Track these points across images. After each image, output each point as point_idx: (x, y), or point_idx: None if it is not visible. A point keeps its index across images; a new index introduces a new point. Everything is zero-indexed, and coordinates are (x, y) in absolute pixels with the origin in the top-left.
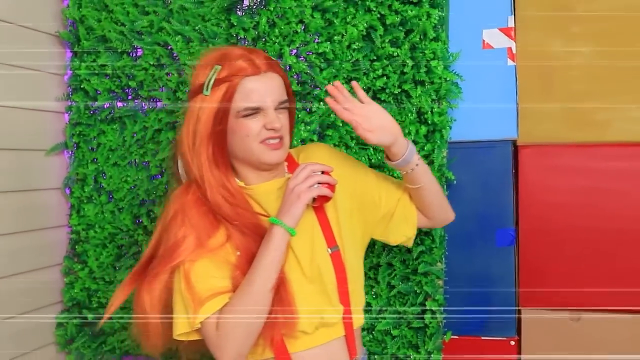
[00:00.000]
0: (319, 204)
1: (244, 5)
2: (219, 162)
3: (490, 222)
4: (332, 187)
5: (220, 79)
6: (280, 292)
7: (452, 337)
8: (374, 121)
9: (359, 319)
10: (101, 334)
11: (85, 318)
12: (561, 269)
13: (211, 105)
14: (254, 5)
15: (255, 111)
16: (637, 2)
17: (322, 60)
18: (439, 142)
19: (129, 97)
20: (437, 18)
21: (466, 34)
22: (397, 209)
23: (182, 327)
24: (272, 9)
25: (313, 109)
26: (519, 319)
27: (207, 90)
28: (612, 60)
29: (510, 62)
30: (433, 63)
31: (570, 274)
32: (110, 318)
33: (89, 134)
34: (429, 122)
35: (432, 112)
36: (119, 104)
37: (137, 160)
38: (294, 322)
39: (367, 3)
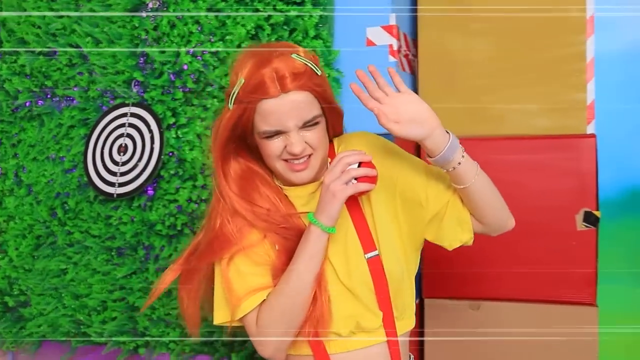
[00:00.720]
0: (360, 195)
1: (147, 8)
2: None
3: None
4: (371, 178)
5: (240, 97)
6: (316, 292)
7: None
8: (404, 112)
9: (406, 324)
10: (21, 319)
11: (7, 304)
12: (463, 260)
13: (229, 121)
14: (157, 6)
15: (276, 134)
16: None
17: (217, 59)
18: None
19: (47, 96)
20: (318, 17)
21: (351, 33)
22: (447, 211)
23: (223, 318)
24: (172, 10)
25: (207, 106)
26: (422, 309)
27: (230, 104)
28: (507, 55)
29: (391, 59)
30: None
31: (472, 265)
32: (153, 302)
33: (11, 130)
34: None
35: None
36: (40, 102)
37: (54, 156)
38: (326, 321)
39: (255, 4)
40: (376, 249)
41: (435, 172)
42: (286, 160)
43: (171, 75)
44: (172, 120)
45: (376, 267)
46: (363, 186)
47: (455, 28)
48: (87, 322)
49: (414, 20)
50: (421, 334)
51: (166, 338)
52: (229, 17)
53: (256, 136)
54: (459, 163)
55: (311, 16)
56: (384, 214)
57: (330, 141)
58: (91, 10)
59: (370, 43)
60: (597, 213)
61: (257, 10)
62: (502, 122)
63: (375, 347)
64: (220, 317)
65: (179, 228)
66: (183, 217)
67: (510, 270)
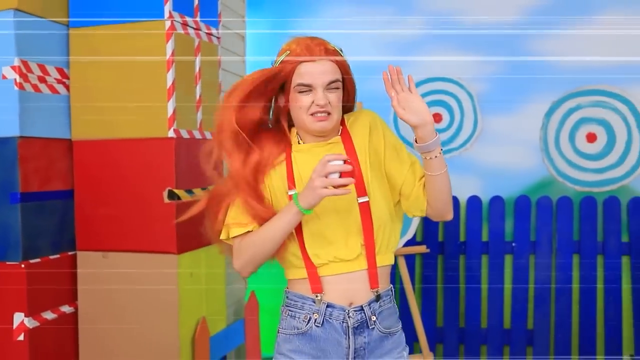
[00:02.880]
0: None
1: None
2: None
3: None
4: (349, 173)
5: (286, 61)
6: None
7: None
8: (411, 104)
9: (386, 258)
10: None
11: None
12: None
13: (263, 74)
14: None
15: (308, 88)
16: None
17: None
18: None
19: None
20: None
21: None
22: (414, 191)
23: (223, 235)
24: None
25: None
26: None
27: (276, 63)
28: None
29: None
30: None
31: (112, 226)
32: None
33: None
34: None
35: None
36: None
37: None
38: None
39: None
40: (366, 195)
41: (412, 159)
42: (312, 115)
43: None
44: None
45: (365, 210)
46: (339, 191)
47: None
48: None
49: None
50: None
51: None
52: None
53: (292, 91)
54: (436, 156)
55: None
56: (375, 171)
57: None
58: None
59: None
60: (177, 191)
61: None
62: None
63: (358, 272)
64: (222, 234)
65: None
66: None
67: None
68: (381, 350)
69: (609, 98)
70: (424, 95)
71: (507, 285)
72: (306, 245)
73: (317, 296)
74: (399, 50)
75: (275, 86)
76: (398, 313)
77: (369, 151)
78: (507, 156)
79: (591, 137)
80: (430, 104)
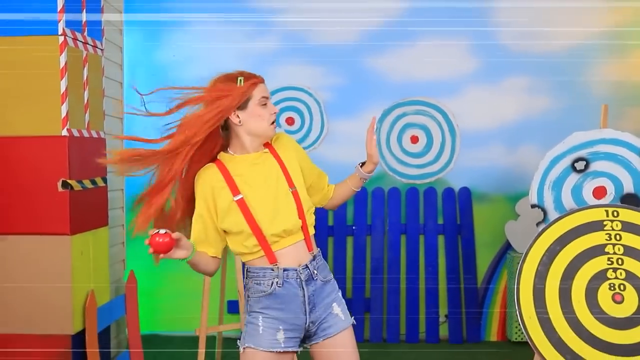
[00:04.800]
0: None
1: None
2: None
3: None
4: (161, 245)
5: (247, 81)
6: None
7: None
8: (375, 147)
9: (311, 229)
10: None
11: None
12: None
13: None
14: None
15: (266, 101)
16: None
17: None
18: None
19: None
20: None
21: None
22: (322, 192)
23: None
24: None
25: None
26: None
27: (240, 83)
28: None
29: None
30: None
31: (11, 212)
32: None
33: None
34: None
35: None
36: None
37: None
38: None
39: None
40: (294, 186)
41: (317, 171)
42: (272, 123)
43: None
44: None
45: (296, 196)
46: (158, 249)
47: None
48: None
49: None
50: None
51: None
52: None
53: (252, 105)
54: (365, 180)
55: None
56: (295, 171)
57: None
58: None
59: None
60: (69, 181)
61: None
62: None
63: (299, 243)
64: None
65: None
66: None
67: None
68: (323, 294)
69: (428, 107)
70: (278, 102)
71: (349, 261)
72: (263, 231)
73: (275, 265)
74: (258, 62)
75: (244, 102)
76: (328, 267)
77: (295, 161)
78: (348, 154)
79: (414, 139)
80: (285, 109)
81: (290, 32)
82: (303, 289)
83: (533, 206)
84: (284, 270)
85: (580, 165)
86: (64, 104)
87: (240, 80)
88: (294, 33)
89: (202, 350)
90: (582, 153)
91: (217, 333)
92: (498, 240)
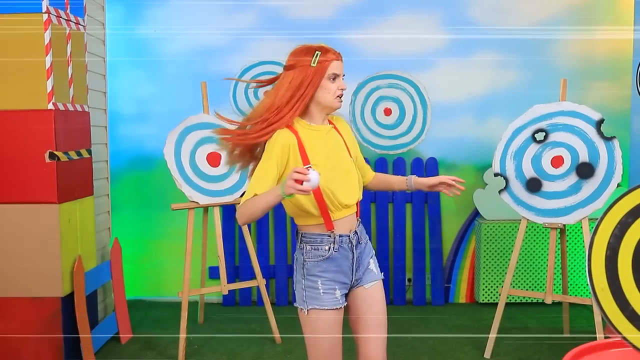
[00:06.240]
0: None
1: None
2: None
3: None
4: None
5: (321, 59)
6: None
7: None
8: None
9: (359, 200)
10: None
11: None
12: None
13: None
14: None
15: (336, 76)
16: None
17: None
18: None
19: None
20: None
21: None
22: (365, 173)
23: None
24: None
25: None
26: None
27: (313, 63)
28: None
29: None
30: None
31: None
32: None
33: None
34: None
35: None
36: None
37: None
38: (332, 202)
39: None
40: (352, 157)
41: (362, 158)
42: (338, 97)
43: None
44: None
45: (356, 172)
46: (301, 192)
47: None
48: None
49: None
50: None
51: None
52: None
53: (325, 80)
54: (407, 190)
55: None
56: (353, 150)
57: None
58: None
59: None
60: (56, 153)
61: None
62: (4, 101)
63: (351, 215)
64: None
65: None
66: None
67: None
68: (364, 254)
69: (401, 81)
70: (255, 76)
71: None
72: (327, 202)
73: (332, 232)
74: (237, 37)
75: (320, 78)
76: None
77: (352, 142)
78: None
79: (387, 111)
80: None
81: (268, 7)
82: (353, 252)
83: (496, 174)
84: (340, 236)
85: (540, 136)
86: (49, 79)
87: (317, 55)
88: (272, 8)
89: (184, 313)
90: (542, 124)
91: (200, 296)
92: (468, 208)
